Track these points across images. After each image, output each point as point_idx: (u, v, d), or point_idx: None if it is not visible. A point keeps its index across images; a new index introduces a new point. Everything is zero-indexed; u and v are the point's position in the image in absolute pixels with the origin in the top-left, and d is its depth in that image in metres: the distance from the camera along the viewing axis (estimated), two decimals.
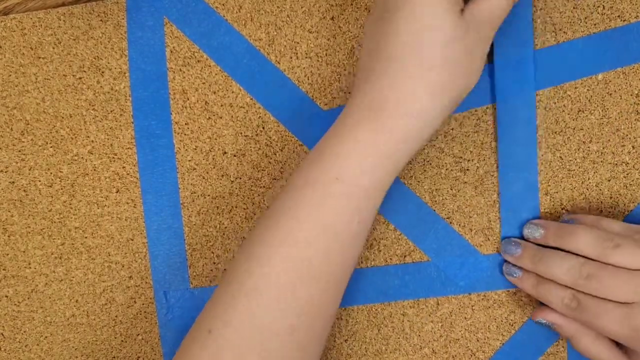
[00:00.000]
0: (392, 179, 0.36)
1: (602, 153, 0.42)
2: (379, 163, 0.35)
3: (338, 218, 0.35)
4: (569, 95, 0.42)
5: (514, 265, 0.41)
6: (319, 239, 0.35)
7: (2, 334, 0.44)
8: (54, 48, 0.43)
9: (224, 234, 0.43)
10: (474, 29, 0.34)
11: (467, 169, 0.42)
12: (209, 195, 0.43)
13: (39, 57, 0.43)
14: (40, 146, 0.43)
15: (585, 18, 0.41)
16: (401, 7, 0.33)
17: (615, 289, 0.36)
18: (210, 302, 0.36)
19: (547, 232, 0.40)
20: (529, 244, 0.41)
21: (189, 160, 0.43)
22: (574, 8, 0.41)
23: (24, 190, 0.43)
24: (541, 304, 0.41)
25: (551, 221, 0.41)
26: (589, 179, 0.42)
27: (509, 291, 0.43)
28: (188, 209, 0.43)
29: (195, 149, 0.43)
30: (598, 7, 0.41)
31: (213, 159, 0.43)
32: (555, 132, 0.42)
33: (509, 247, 0.41)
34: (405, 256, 0.43)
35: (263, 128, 0.43)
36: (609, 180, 0.42)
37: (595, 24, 0.41)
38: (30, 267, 0.43)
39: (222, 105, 0.43)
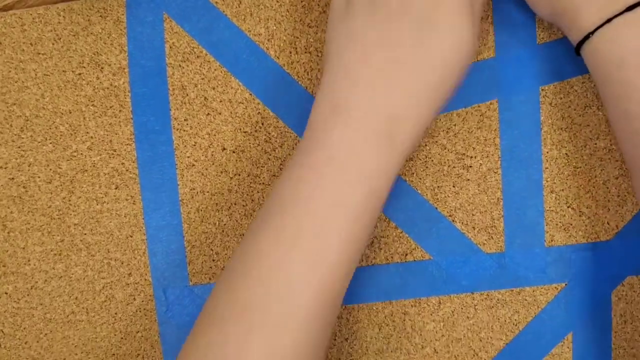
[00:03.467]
0: (417, 143, 0.35)
1: (609, 150, 0.41)
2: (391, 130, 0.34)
3: (353, 198, 0.34)
4: (576, 91, 0.41)
5: None
6: (336, 221, 0.33)
7: (2, 330, 0.44)
8: (53, 44, 0.43)
9: (223, 230, 0.43)
10: None
11: (470, 166, 0.41)
12: (208, 192, 0.43)
13: (39, 53, 0.43)
14: (39, 142, 0.43)
15: None
16: None
17: None
18: (212, 296, 0.35)
19: None
20: None
21: (188, 157, 0.43)
22: None
23: (24, 187, 0.43)
24: None
25: None
26: (595, 176, 0.41)
27: (512, 290, 0.42)
28: (187, 206, 0.43)
29: (194, 145, 0.42)
30: None
31: (212, 155, 0.42)
32: (561, 129, 0.41)
33: None
34: (406, 254, 0.42)
35: (262, 124, 0.42)
36: (617, 178, 0.41)
37: None
38: (29, 264, 0.43)
39: (221, 101, 0.42)
